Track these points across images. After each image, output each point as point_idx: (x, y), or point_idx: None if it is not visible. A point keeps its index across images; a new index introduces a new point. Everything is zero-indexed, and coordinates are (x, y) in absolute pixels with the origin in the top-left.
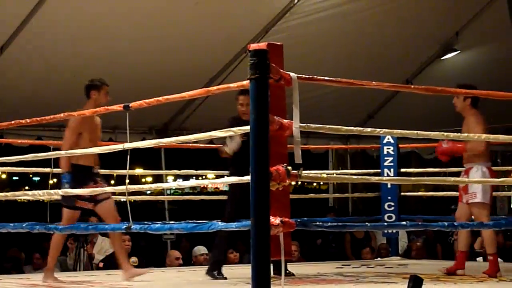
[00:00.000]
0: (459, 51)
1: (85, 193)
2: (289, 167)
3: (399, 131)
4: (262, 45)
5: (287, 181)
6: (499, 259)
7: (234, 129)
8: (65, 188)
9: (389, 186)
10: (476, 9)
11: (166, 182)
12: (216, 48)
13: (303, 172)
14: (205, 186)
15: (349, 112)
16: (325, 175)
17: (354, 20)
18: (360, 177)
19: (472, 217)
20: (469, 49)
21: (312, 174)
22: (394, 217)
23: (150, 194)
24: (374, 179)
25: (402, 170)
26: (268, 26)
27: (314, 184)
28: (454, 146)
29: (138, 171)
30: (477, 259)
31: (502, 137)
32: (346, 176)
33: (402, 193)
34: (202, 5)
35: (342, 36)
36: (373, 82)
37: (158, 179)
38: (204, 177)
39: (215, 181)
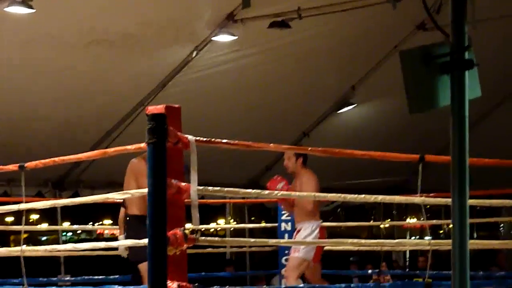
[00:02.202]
0: (356, 105)
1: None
2: (187, 231)
3: (298, 193)
4: (160, 108)
5: (185, 245)
6: None
7: (132, 191)
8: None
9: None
10: (371, 64)
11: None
12: (113, 102)
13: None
14: (102, 232)
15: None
16: (223, 239)
17: (251, 74)
18: (258, 240)
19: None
20: (365, 103)
21: (210, 238)
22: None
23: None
24: (272, 242)
25: None
26: (165, 80)
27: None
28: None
29: (34, 227)
30: None
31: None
32: (244, 239)
33: None
34: (98, 58)
35: (241, 89)
36: (271, 144)
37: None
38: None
39: (112, 243)
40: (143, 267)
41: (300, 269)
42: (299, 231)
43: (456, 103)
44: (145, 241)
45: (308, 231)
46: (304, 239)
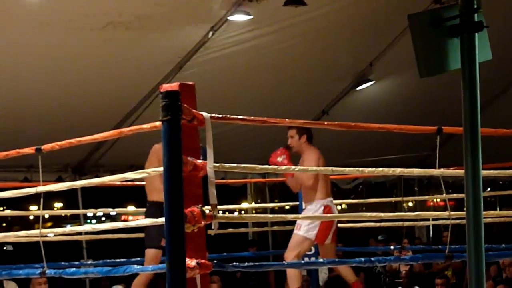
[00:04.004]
0: (374, 82)
1: None
2: (204, 208)
3: (314, 167)
4: (174, 85)
5: (202, 222)
6: None
7: (148, 170)
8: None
9: None
10: (389, 40)
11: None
12: (130, 85)
13: (219, 212)
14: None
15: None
16: (240, 215)
17: (268, 53)
18: (276, 215)
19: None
20: (383, 79)
21: (228, 214)
22: (313, 250)
23: (67, 234)
24: (290, 217)
25: None
26: (181, 61)
27: None
28: (287, 163)
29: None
30: None
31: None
32: (262, 215)
33: None
34: (114, 42)
35: (257, 69)
36: (286, 119)
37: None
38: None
39: (130, 223)
40: (147, 252)
41: (300, 247)
42: (304, 211)
43: (466, 66)
44: (162, 219)
45: (310, 213)
46: (306, 222)
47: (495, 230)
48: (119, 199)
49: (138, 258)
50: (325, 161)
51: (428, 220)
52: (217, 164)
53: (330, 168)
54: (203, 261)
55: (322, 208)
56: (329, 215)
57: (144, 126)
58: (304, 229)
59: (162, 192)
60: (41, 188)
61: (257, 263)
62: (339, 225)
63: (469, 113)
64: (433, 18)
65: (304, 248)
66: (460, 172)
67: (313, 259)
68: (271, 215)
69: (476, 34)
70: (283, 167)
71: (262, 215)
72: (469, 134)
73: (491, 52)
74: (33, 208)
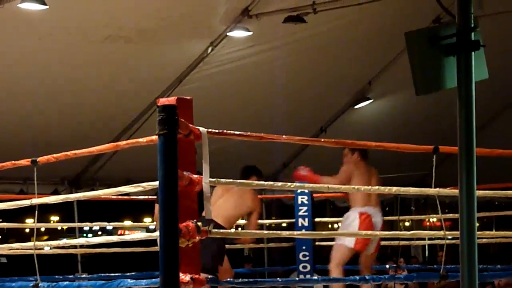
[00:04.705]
0: (372, 100)
1: None
2: (199, 223)
3: (311, 185)
4: (171, 100)
5: (197, 237)
6: None
7: (143, 184)
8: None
9: None
10: (388, 59)
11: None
12: (129, 99)
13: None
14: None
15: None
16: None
17: (267, 69)
18: (271, 231)
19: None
20: (382, 98)
21: (223, 230)
22: (309, 267)
23: (62, 247)
24: (285, 233)
25: (317, 219)
26: (181, 76)
27: None
28: (311, 175)
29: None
30: None
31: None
32: (258, 231)
33: (317, 243)
34: (114, 55)
35: (256, 85)
36: (283, 136)
37: (72, 230)
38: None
39: (125, 237)
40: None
41: (341, 257)
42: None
43: (462, 84)
44: (157, 233)
45: (346, 221)
46: (343, 228)
47: (491, 252)
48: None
49: (133, 273)
50: (371, 176)
51: (424, 239)
52: (213, 179)
53: (326, 185)
54: (197, 276)
55: (358, 215)
56: (332, 232)
57: (140, 140)
58: (344, 238)
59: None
60: (36, 200)
61: (251, 279)
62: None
63: (465, 132)
64: (430, 36)
65: (344, 257)
66: (456, 191)
67: (308, 276)
68: (266, 231)
69: (473, 53)
70: (279, 184)
71: (257, 231)
72: (464, 153)
73: (487, 71)
74: (29, 221)
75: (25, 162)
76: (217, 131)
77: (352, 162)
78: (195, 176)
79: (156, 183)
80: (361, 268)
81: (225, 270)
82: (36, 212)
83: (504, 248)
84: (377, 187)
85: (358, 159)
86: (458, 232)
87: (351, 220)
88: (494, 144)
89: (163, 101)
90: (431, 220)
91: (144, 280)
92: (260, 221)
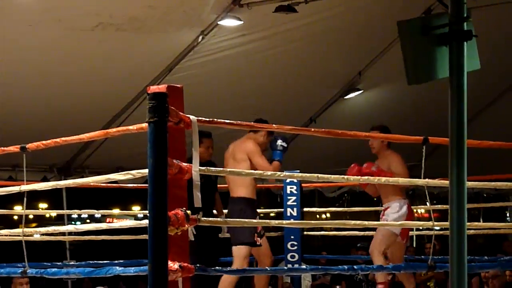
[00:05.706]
0: (362, 91)
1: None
2: (188, 211)
3: (300, 174)
4: (162, 87)
5: (186, 225)
6: None
7: (133, 172)
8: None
9: None
10: (378, 50)
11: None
12: (119, 87)
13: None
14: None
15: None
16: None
17: (257, 59)
18: (260, 221)
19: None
20: (372, 89)
21: (211, 219)
22: (297, 257)
23: (50, 234)
24: (274, 222)
25: (305, 209)
26: (171, 64)
27: None
28: (379, 171)
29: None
30: None
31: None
32: (247, 220)
33: (306, 232)
34: (104, 43)
35: (246, 74)
36: (274, 125)
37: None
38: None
39: (113, 225)
40: (238, 250)
41: (387, 242)
42: (386, 209)
43: (454, 74)
44: (146, 221)
45: (396, 209)
46: (393, 217)
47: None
48: (104, 201)
49: (121, 260)
50: None
51: (412, 230)
52: (203, 168)
53: (315, 175)
54: (185, 264)
55: (406, 206)
56: (312, 221)
57: (131, 127)
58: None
59: (248, 187)
60: (25, 187)
61: (240, 268)
62: (323, 233)
63: (456, 122)
64: (422, 26)
65: (389, 243)
66: (445, 182)
67: (296, 265)
68: (255, 220)
69: (465, 43)
70: (269, 173)
71: (246, 220)
72: (455, 143)
73: (479, 62)
74: (18, 208)
75: (14, 148)
76: (207, 119)
77: (391, 152)
78: (185, 164)
79: (146, 170)
80: (391, 257)
81: (266, 254)
82: (25, 198)
83: (489, 240)
84: (366, 177)
85: (387, 146)
86: (446, 223)
87: (404, 210)
88: (483, 136)
89: (153, 88)
90: (419, 211)
91: (133, 268)
92: None
